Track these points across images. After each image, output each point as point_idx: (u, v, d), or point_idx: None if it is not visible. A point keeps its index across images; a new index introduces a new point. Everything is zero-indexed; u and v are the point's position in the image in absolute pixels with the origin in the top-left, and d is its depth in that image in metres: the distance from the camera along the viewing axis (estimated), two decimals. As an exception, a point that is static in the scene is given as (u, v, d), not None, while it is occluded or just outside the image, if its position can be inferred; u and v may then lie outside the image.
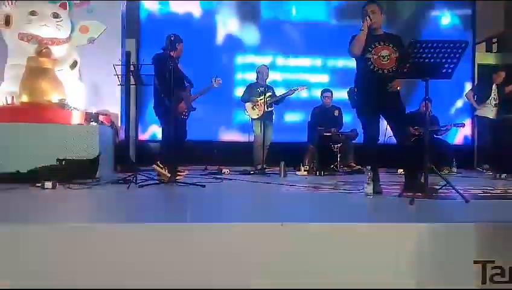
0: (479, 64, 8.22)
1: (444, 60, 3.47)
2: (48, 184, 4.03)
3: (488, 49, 8.80)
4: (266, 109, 6.39)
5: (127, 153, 6.63)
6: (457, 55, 3.46)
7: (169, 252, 2.22)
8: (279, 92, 6.85)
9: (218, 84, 5.64)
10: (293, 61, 7.88)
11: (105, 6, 6.59)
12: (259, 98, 6.43)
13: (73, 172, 4.65)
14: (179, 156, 5.23)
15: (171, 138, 4.73)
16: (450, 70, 3.53)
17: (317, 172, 6.21)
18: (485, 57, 8.43)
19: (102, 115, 5.93)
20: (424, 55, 3.44)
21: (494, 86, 6.78)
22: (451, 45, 3.46)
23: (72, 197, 3.69)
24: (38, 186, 4.04)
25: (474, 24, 8.15)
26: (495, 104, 6.73)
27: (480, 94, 6.94)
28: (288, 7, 7.88)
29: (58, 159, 4.81)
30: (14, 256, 2.13)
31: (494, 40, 8.73)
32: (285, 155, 6.30)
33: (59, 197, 3.66)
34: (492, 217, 3.02)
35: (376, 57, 3.89)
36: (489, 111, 6.78)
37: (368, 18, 3.89)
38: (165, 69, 4.74)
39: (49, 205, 3.31)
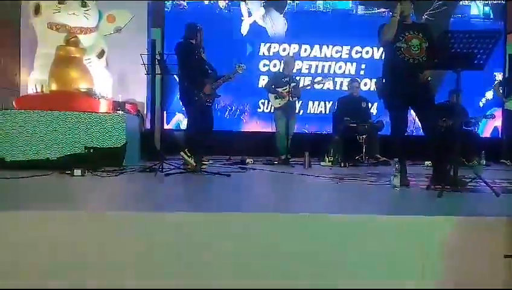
0: (510, 55, 7.98)
1: (476, 51, 3.38)
2: (78, 171, 4.11)
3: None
4: (290, 99, 6.36)
5: (152, 141, 6.71)
6: (490, 46, 3.36)
7: (196, 241, 2.24)
8: (305, 82, 6.80)
9: (242, 70, 5.61)
10: (319, 51, 7.79)
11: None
12: (283, 88, 6.40)
13: (101, 160, 4.73)
14: (206, 145, 5.26)
15: (197, 126, 4.76)
16: (482, 61, 3.44)
17: (342, 163, 6.16)
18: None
19: (129, 103, 6.01)
20: (456, 46, 3.36)
21: None
22: (484, 35, 3.36)
23: (102, 185, 3.76)
24: (68, 173, 4.13)
25: (505, 14, 7.89)
26: None
27: (508, 87, 6.75)
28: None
29: (86, 147, 4.91)
30: (50, 242, 2.19)
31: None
32: (310, 146, 6.27)
33: (90, 185, 3.73)
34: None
35: (406, 46, 3.80)
36: None
37: (400, 5, 3.81)
38: (188, 57, 4.78)
39: (82, 193, 3.38)
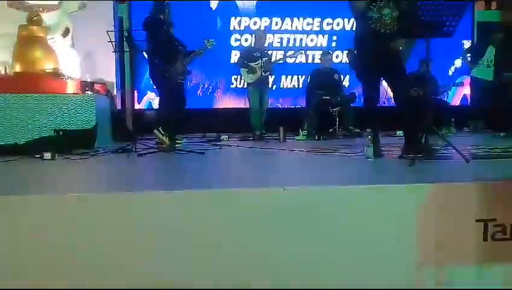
0: (478, 23, 8.08)
1: (445, 18, 3.40)
2: (47, 155, 4.01)
3: (488, 7, 8.63)
4: (262, 74, 6.31)
5: (124, 121, 6.58)
6: (458, 13, 3.39)
7: (170, 219, 2.23)
8: (277, 56, 6.75)
9: (212, 46, 5.51)
10: (290, 24, 7.71)
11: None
12: (255, 63, 6.33)
13: (72, 142, 4.64)
14: (180, 123, 5.20)
15: (170, 104, 4.69)
16: (450, 29, 3.47)
17: (316, 136, 6.19)
18: (484, 15, 8.27)
19: (98, 83, 5.85)
20: (424, 14, 3.37)
21: (490, 47, 6.66)
22: (452, 3, 3.38)
23: (72, 168, 3.68)
24: (38, 157, 4.02)
25: (473, -20, 7.97)
26: (487, 64, 6.64)
27: (475, 54, 6.87)
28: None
29: (55, 130, 4.78)
30: (13, 229, 2.13)
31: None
32: (284, 120, 6.27)
33: (59, 168, 3.65)
34: (493, 175, 3.02)
35: (378, 15, 3.77)
36: (483, 71, 6.72)
37: None
38: (156, 33, 4.67)
39: (49, 176, 3.30)
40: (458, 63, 7.95)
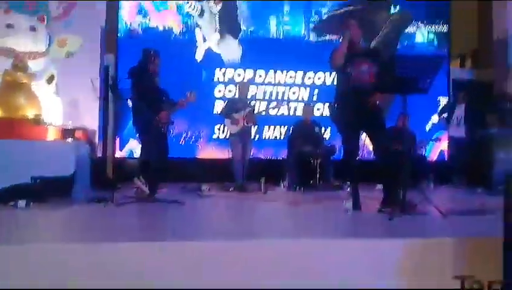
0: (453, 80, 8.40)
1: (420, 76, 3.54)
2: (22, 203, 3.93)
3: (463, 65, 9.01)
4: (245, 125, 6.38)
5: (104, 170, 6.50)
6: (433, 71, 3.55)
7: (145, 271, 2.17)
8: (260, 107, 6.87)
9: (194, 99, 5.58)
10: (274, 76, 7.90)
11: (84, 20, 6.53)
12: (238, 114, 6.42)
13: (48, 190, 4.53)
14: (161, 172, 5.14)
15: (152, 152, 4.67)
16: (426, 86, 3.61)
17: (297, 188, 6.21)
18: (460, 73, 8.62)
19: (79, 130, 5.82)
20: (401, 71, 3.50)
21: (459, 105, 6.89)
22: (427, 61, 3.54)
23: (45, 217, 3.59)
24: (12, 205, 3.93)
25: (449, 40, 8.34)
26: (457, 122, 6.86)
27: (447, 112, 7.15)
28: (268, 23, 7.94)
29: (32, 177, 4.68)
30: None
31: (468, 56, 8.96)
32: (266, 171, 6.29)
33: (32, 217, 3.55)
34: (470, 231, 3.05)
35: (356, 71, 3.91)
36: (456, 129, 6.94)
37: (348, 31, 3.92)
38: (141, 82, 4.73)
39: (21, 226, 3.20)
40: (435, 118, 8.18)
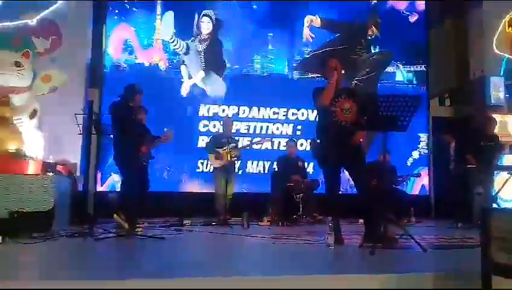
0: (433, 117, 8.61)
1: (399, 114, 3.63)
2: (-1, 238, 3.84)
3: (442, 103, 9.27)
4: (229, 160, 6.41)
5: (85, 204, 6.42)
6: (411, 109, 3.63)
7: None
8: (244, 142, 6.93)
9: (171, 136, 5.63)
10: (257, 112, 8.00)
11: (69, 56, 6.60)
12: (222, 149, 6.45)
13: (27, 225, 4.44)
14: (141, 207, 5.12)
15: (131, 186, 4.64)
16: (405, 123, 3.69)
17: (280, 223, 6.19)
18: (439, 111, 8.86)
19: (61, 165, 5.78)
20: (381, 109, 3.59)
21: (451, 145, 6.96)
22: (406, 100, 3.64)
23: (22, 253, 3.50)
24: (-12, 240, 3.84)
25: (427, 79, 8.61)
26: (452, 159, 6.91)
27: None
28: (252, 61, 8.11)
29: (10, 212, 4.60)
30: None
31: (447, 94, 9.23)
32: (249, 206, 6.27)
33: (7, 253, 3.47)
34: (451, 266, 3.07)
35: (339, 110, 3.99)
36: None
37: (335, 72, 4.02)
38: (122, 117, 4.77)
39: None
40: (416, 154, 8.34)
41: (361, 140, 4.04)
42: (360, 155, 4.12)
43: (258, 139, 7.21)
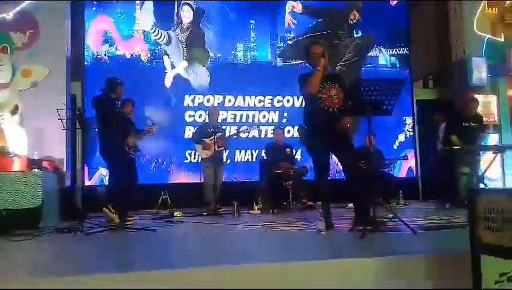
0: (417, 100, 8.69)
1: (383, 98, 3.65)
2: (-14, 237, 3.79)
3: (425, 86, 9.34)
4: (216, 149, 6.40)
5: (73, 199, 6.36)
6: (395, 93, 3.65)
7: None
8: (231, 131, 6.92)
9: (154, 131, 5.61)
10: (243, 101, 7.98)
11: (48, 49, 6.47)
12: (209, 139, 6.43)
13: (15, 222, 4.41)
14: (130, 200, 5.09)
15: (119, 179, 4.61)
16: (390, 107, 3.71)
17: (270, 210, 6.22)
18: (423, 93, 8.94)
19: (46, 160, 5.70)
20: (365, 94, 3.60)
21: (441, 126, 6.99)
22: (390, 84, 3.65)
23: (10, 250, 3.47)
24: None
25: (410, 62, 8.67)
26: (440, 141, 6.96)
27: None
28: (235, 49, 8.06)
29: (-3, 209, 4.55)
30: None
31: (430, 77, 9.29)
32: (238, 194, 6.28)
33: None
34: (441, 246, 3.12)
35: (326, 96, 3.97)
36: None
37: (322, 58, 3.98)
38: (105, 110, 4.74)
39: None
40: (402, 137, 8.42)
41: (348, 125, 4.05)
42: (348, 140, 4.13)
43: (245, 127, 7.19)
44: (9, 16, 6.40)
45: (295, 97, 7.88)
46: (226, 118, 7.75)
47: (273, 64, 8.17)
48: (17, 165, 5.27)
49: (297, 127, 7.50)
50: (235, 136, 7.08)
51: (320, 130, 3.99)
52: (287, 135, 7.58)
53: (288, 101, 8.05)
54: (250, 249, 3.35)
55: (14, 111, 5.86)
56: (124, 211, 4.77)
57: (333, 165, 4.23)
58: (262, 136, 7.89)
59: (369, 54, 8.50)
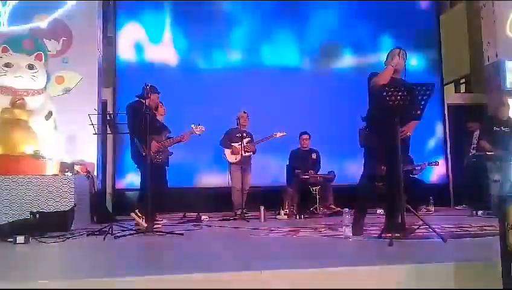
0: (448, 105, 8.50)
1: (413, 102, 3.57)
2: (20, 239, 3.91)
3: (457, 90, 9.13)
4: (244, 154, 6.42)
5: (103, 202, 6.50)
6: (425, 98, 3.57)
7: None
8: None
9: (201, 132, 5.64)
10: (271, 106, 7.96)
11: (80, 56, 6.66)
12: (237, 144, 6.46)
13: (47, 225, 4.52)
14: (158, 205, 5.14)
15: (148, 185, 4.68)
16: (419, 112, 3.64)
17: (297, 215, 6.20)
18: (455, 98, 8.74)
19: (78, 164, 5.85)
20: (393, 98, 3.54)
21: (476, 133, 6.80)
22: (419, 88, 3.57)
23: (44, 253, 3.57)
24: (10, 241, 3.91)
25: (441, 66, 8.49)
26: (472, 147, 6.78)
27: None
28: (263, 53, 8.08)
29: (31, 212, 4.68)
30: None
31: (462, 81, 9.09)
32: (265, 199, 6.29)
33: (30, 253, 3.53)
34: (471, 255, 3.03)
35: (394, 99, 3.66)
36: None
37: (397, 57, 3.92)
38: (137, 117, 4.82)
39: (20, 262, 3.18)
40: (432, 142, 8.25)
41: (409, 133, 3.95)
42: (406, 148, 4.04)
43: (273, 133, 7.16)
44: (43, 23, 6.62)
45: (325, 103, 7.82)
46: (254, 123, 7.74)
47: (303, 69, 8.14)
48: (50, 169, 5.42)
49: (359, 128, 7.39)
50: (264, 141, 7.07)
51: (385, 133, 3.77)
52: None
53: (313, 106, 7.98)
54: (276, 255, 3.34)
55: (48, 116, 6.03)
56: (153, 215, 4.83)
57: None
58: (290, 141, 7.84)
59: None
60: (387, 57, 4.07)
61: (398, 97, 3.53)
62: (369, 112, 4.08)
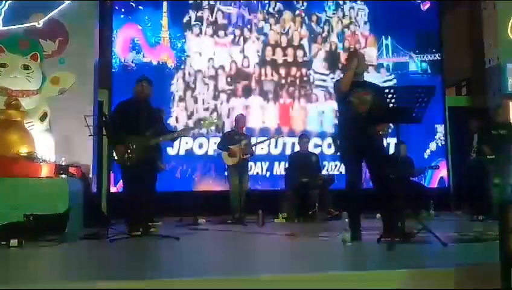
0: (449, 108, 8.44)
1: (413, 105, 3.52)
2: (14, 242, 3.85)
3: (458, 93, 9.08)
4: (242, 157, 6.36)
5: (98, 205, 6.43)
6: (425, 100, 3.52)
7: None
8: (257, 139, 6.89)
9: (213, 124, 5.27)
10: (269, 108, 7.91)
11: (77, 57, 6.59)
12: (235, 146, 6.40)
13: (42, 228, 4.44)
14: (146, 209, 4.82)
15: (130, 192, 4.55)
16: (419, 115, 3.58)
17: (296, 219, 6.13)
18: (456, 100, 8.69)
19: (73, 167, 5.77)
20: (394, 101, 3.49)
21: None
22: (419, 90, 3.52)
23: (38, 255, 3.50)
24: (4, 244, 3.84)
25: (442, 68, 8.43)
26: (473, 151, 6.71)
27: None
28: (263, 53, 8.04)
29: (25, 215, 4.60)
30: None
31: (463, 83, 9.05)
32: (263, 203, 6.21)
33: (24, 256, 3.46)
34: (471, 260, 2.98)
35: (358, 101, 3.88)
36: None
37: (355, 59, 3.93)
38: (114, 117, 4.70)
39: (13, 266, 3.11)
40: (433, 146, 8.18)
41: (380, 132, 3.94)
42: (381, 147, 4.03)
43: (271, 136, 7.11)
44: (39, 23, 6.55)
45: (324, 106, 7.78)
46: (252, 126, 7.70)
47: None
48: (44, 171, 5.33)
49: (331, 136, 7.38)
50: (261, 143, 7.02)
51: (353, 136, 3.89)
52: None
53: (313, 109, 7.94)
54: (273, 259, 3.28)
55: (43, 117, 5.97)
56: (141, 221, 4.60)
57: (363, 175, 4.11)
58: (288, 145, 7.79)
59: (399, 59, 8.32)
60: (345, 61, 4.09)
61: (399, 100, 3.48)
62: (339, 119, 4.15)
